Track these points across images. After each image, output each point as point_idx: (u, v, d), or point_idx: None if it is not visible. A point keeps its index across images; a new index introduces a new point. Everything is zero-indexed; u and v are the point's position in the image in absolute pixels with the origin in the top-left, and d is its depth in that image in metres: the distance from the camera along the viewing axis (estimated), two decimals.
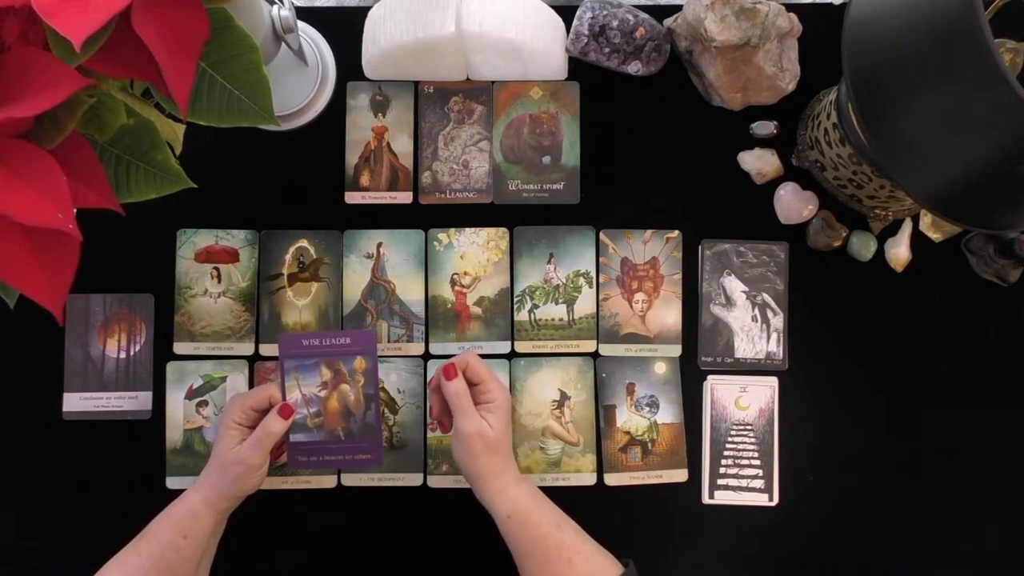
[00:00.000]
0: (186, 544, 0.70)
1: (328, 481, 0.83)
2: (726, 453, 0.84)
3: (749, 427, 0.84)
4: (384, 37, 0.81)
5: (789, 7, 0.81)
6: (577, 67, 0.87)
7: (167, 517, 0.72)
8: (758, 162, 0.86)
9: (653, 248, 0.86)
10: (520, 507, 0.72)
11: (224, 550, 0.76)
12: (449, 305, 0.85)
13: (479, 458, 0.72)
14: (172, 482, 0.83)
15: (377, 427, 0.77)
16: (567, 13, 0.85)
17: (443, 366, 0.74)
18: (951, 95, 0.59)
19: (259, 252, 0.85)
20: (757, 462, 0.84)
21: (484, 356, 0.84)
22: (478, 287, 0.85)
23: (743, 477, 0.84)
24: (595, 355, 0.85)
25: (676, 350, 0.85)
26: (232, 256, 0.85)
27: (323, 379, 0.76)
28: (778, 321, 0.85)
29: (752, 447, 0.84)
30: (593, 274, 0.86)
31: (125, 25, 0.46)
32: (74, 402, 0.83)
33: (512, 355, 0.85)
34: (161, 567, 0.69)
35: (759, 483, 0.84)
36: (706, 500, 0.84)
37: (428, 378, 0.84)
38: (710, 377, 0.85)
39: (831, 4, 0.88)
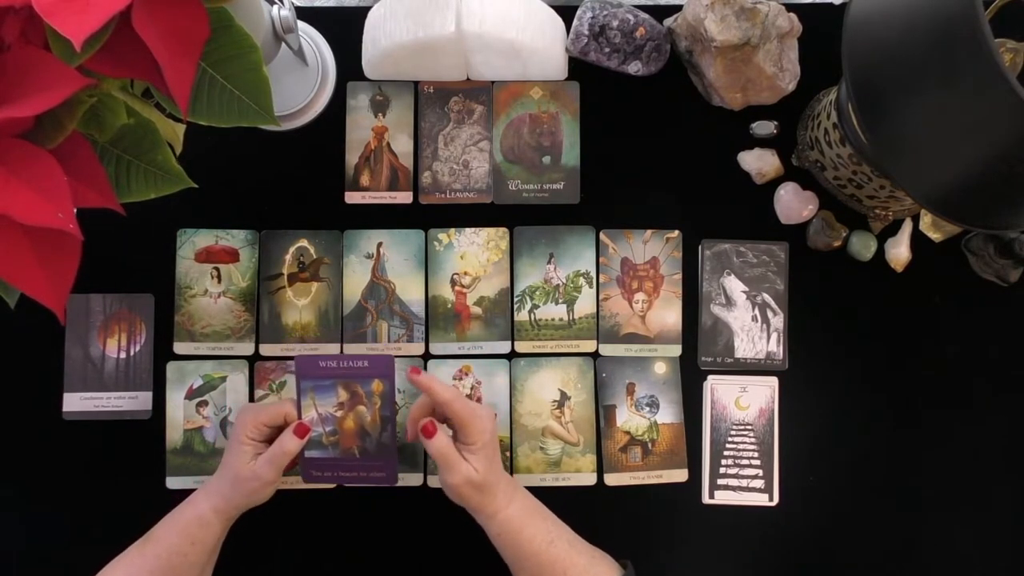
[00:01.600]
0: (193, 550, 0.70)
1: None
2: (726, 453, 0.84)
3: (749, 427, 0.84)
4: (384, 37, 0.81)
5: (789, 7, 0.81)
6: (577, 67, 0.87)
7: (174, 522, 0.72)
8: (758, 162, 0.86)
9: (653, 248, 0.86)
10: (511, 526, 0.71)
11: (224, 550, 0.75)
12: (449, 305, 0.85)
13: (470, 499, 0.71)
14: (172, 482, 0.83)
15: (393, 448, 0.76)
16: (567, 13, 0.85)
17: (422, 424, 0.70)
18: (951, 95, 0.59)
19: (259, 252, 0.85)
20: (757, 462, 0.84)
21: (484, 356, 0.85)
22: (478, 287, 0.85)
23: (743, 477, 0.84)
24: (595, 355, 0.85)
25: (676, 350, 0.85)
26: (232, 256, 0.85)
27: (339, 400, 0.74)
28: (778, 321, 0.85)
29: (752, 447, 0.84)
30: (593, 274, 0.86)
31: (125, 25, 0.46)
32: (74, 402, 0.83)
33: (512, 355, 0.85)
34: (166, 570, 0.69)
35: (759, 483, 0.84)
36: (706, 500, 0.84)
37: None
38: (710, 377, 0.85)
39: (831, 4, 0.88)
